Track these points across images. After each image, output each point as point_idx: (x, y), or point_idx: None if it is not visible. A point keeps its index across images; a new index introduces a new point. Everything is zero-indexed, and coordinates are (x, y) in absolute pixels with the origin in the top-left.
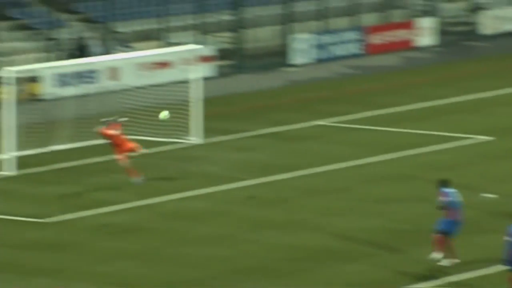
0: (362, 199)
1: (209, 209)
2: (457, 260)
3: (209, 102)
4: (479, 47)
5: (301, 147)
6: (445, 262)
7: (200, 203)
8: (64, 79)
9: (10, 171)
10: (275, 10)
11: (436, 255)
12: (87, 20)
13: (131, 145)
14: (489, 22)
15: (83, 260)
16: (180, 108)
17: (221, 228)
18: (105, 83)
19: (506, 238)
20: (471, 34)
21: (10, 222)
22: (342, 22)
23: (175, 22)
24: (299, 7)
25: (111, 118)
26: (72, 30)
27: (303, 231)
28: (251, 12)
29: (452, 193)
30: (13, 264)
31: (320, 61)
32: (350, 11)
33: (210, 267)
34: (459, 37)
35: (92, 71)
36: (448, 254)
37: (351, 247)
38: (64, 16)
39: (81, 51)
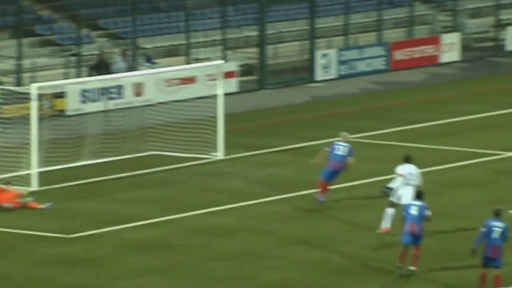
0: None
1: (234, 224)
2: (413, 268)
3: (231, 117)
4: (504, 63)
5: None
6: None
7: (225, 219)
8: (88, 95)
9: (34, 187)
10: (299, 25)
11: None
12: (113, 36)
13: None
14: None
15: (108, 275)
16: (203, 124)
17: (246, 244)
18: (130, 99)
19: (482, 229)
20: (496, 49)
21: (36, 238)
22: (367, 37)
23: (199, 38)
24: (323, 23)
25: None
26: (98, 46)
27: (329, 247)
28: (275, 28)
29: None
30: (40, 280)
31: (344, 77)
32: (375, 27)
33: (235, 283)
34: (484, 53)
35: (117, 87)
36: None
37: (375, 265)
38: (90, 32)
39: (105, 67)
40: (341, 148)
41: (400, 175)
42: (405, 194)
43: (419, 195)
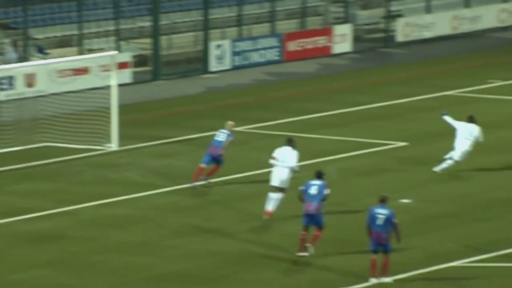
0: (282, 204)
1: (129, 215)
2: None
3: (125, 108)
4: (394, 54)
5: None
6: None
7: (119, 210)
8: None
9: None
10: (193, 16)
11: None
12: (3, 27)
13: None
14: (404, 29)
15: (0, 268)
16: (97, 115)
17: (141, 235)
18: (21, 90)
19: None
20: (387, 41)
21: None
22: (260, 28)
23: (92, 28)
24: (217, 14)
25: None
26: None
27: (223, 238)
28: (169, 19)
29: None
30: None
31: (238, 67)
32: (268, 18)
33: (130, 274)
34: (375, 44)
35: (8, 78)
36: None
37: (270, 253)
38: None
39: None
40: (220, 135)
41: (274, 158)
42: (277, 177)
43: (319, 175)
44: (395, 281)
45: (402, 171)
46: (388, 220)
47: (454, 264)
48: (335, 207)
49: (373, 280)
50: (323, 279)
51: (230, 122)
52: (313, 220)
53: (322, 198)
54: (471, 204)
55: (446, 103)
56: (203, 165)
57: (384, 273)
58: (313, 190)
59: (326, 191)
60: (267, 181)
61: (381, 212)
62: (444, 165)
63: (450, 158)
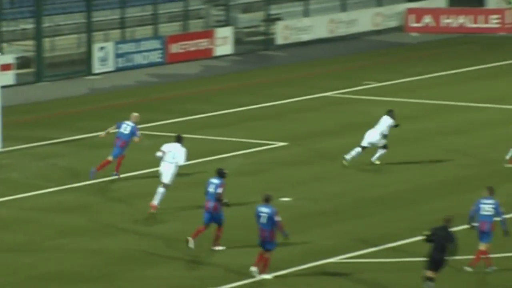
0: (165, 202)
1: (12, 216)
2: (220, 247)
3: (9, 110)
4: (274, 56)
5: (104, 154)
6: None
7: (3, 211)
8: None
9: None
10: (76, 18)
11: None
12: None
13: None
14: (284, 32)
15: None
16: None
17: (25, 235)
18: None
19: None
20: (267, 43)
21: None
22: (143, 31)
23: None
24: (100, 16)
25: None
26: None
27: (107, 237)
28: (52, 21)
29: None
30: None
31: (121, 69)
32: (151, 21)
33: (14, 273)
34: (255, 46)
35: None
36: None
37: (154, 252)
38: None
39: None
40: (127, 128)
41: (161, 151)
42: (164, 172)
43: (219, 173)
44: (275, 277)
45: (282, 170)
46: (270, 219)
47: (333, 260)
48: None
49: (253, 269)
50: (206, 275)
51: (135, 114)
52: (213, 217)
53: (216, 196)
54: (348, 202)
55: (325, 104)
56: (110, 158)
57: (264, 270)
58: (211, 188)
59: (219, 190)
60: (152, 180)
61: (264, 211)
62: (353, 153)
63: (360, 146)
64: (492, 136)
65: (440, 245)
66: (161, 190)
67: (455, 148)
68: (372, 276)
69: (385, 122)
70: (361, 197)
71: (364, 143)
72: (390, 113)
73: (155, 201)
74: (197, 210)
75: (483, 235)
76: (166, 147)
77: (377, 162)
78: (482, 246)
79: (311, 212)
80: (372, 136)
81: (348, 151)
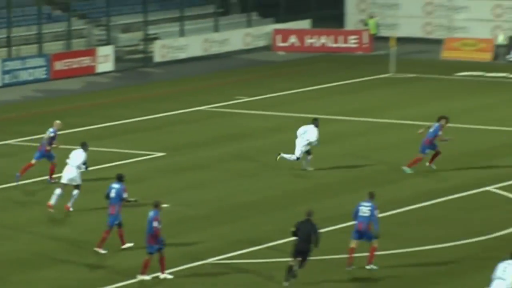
0: (58, 210)
1: None
2: (129, 245)
3: None
4: (153, 73)
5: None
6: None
7: None
8: None
9: None
10: None
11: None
12: None
13: None
14: (161, 51)
15: None
16: None
17: None
18: None
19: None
20: (146, 61)
21: None
22: (29, 49)
23: None
24: None
25: None
26: None
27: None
28: None
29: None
30: None
31: (8, 85)
32: (36, 39)
33: None
34: (135, 64)
35: None
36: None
37: (40, 255)
38: None
39: None
40: (46, 133)
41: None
42: (65, 174)
43: (119, 178)
44: (153, 278)
45: (160, 178)
46: (151, 223)
47: (208, 261)
48: (99, 212)
49: (140, 277)
50: (92, 277)
51: (57, 122)
52: (115, 220)
53: (123, 200)
54: (222, 207)
55: (200, 117)
56: (33, 161)
57: (144, 272)
58: (112, 193)
59: (125, 195)
60: (43, 189)
61: (150, 216)
62: (286, 156)
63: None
64: (354, 146)
65: (305, 236)
66: (59, 191)
67: (319, 157)
68: (242, 277)
69: (311, 130)
70: (233, 202)
71: (297, 153)
72: (315, 122)
73: (52, 201)
74: (87, 214)
75: (359, 234)
76: (73, 154)
77: (310, 168)
78: (353, 244)
79: (187, 217)
80: (302, 143)
81: (222, 160)
